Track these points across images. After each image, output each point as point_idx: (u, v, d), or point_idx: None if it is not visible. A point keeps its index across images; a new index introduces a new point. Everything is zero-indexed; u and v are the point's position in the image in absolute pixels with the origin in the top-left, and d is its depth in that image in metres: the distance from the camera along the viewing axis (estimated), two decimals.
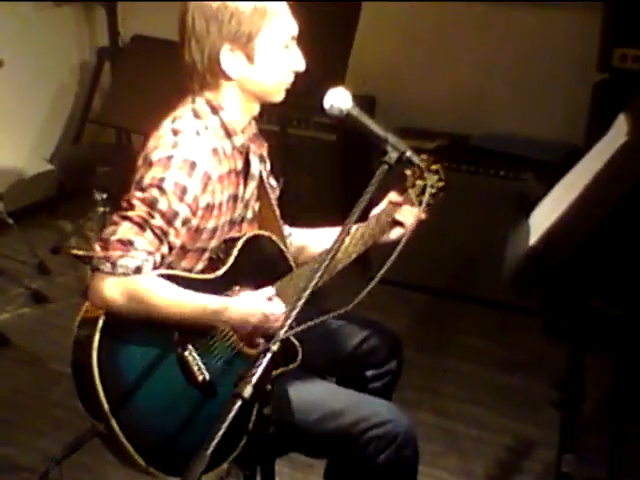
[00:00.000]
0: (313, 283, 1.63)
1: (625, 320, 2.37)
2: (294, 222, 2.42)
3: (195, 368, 1.99)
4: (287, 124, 4.05)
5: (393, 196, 2.31)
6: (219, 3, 2.01)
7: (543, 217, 1.99)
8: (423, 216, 2.27)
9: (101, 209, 4.33)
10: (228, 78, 2.06)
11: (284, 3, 2.08)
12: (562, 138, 4.14)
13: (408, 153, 1.87)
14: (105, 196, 4.33)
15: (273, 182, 2.34)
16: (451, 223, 3.84)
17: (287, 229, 2.41)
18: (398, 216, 2.29)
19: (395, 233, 2.30)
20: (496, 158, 4.14)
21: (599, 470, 2.60)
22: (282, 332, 1.57)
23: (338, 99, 1.94)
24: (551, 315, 3.76)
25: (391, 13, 4.46)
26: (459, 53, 4.49)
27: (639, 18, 3.58)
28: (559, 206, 1.89)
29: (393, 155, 1.86)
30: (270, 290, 2.06)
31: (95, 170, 4.53)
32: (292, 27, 2.08)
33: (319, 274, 1.64)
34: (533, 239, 1.92)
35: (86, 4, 5.18)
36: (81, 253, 1.98)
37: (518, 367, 3.68)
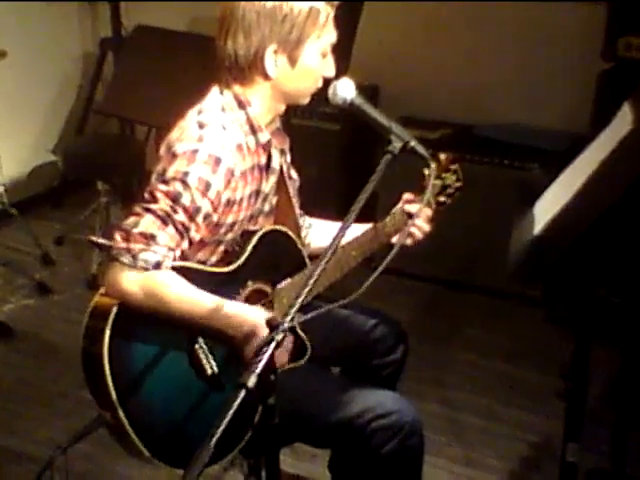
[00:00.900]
0: (317, 273, 1.62)
1: (630, 310, 2.36)
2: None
3: (204, 361, 1.99)
4: (291, 114, 4.05)
5: (408, 195, 2.32)
6: (275, 2, 1.99)
7: (548, 206, 1.98)
8: (429, 212, 2.27)
9: (104, 200, 4.34)
10: (266, 77, 2.05)
11: (332, 11, 2.05)
12: (567, 127, 4.13)
13: (412, 143, 1.87)
14: (108, 187, 4.34)
15: (294, 174, 2.33)
16: (455, 213, 3.82)
17: (307, 220, 2.40)
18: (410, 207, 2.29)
19: (409, 240, 2.28)
20: (500, 148, 4.13)
21: (604, 460, 2.60)
22: (287, 322, 1.56)
23: (342, 89, 1.94)
24: (556, 305, 3.76)
25: (395, 2, 4.44)
26: (463, 42, 4.48)
27: None
28: (564, 195, 1.88)
29: (397, 145, 1.85)
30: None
31: (99, 161, 4.52)
32: (334, 35, 2.07)
33: (321, 266, 1.63)
34: (537, 229, 1.92)
35: None
36: (100, 241, 1.95)
37: (522, 357, 3.68)
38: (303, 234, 2.35)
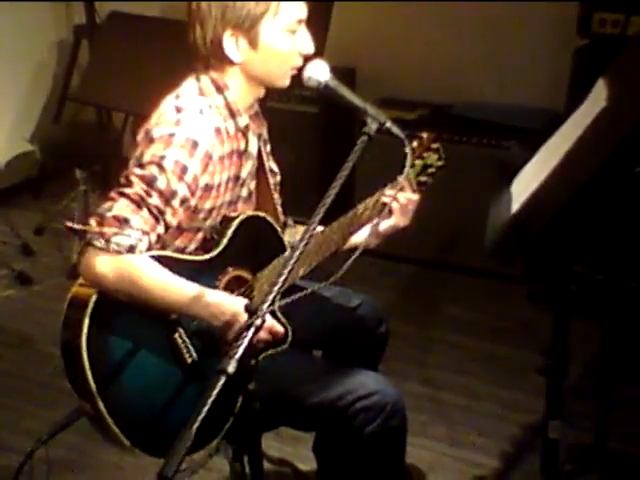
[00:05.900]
0: (296, 255, 1.62)
1: (610, 285, 2.38)
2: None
3: (184, 350, 1.98)
4: (267, 97, 4.02)
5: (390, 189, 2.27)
6: None
7: (525, 184, 1.99)
8: (414, 197, 2.26)
9: (83, 188, 4.31)
10: (232, 63, 2.04)
11: None
12: (544, 105, 4.13)
13: (388, 124, 1.86)
14: (86, 175, 4.31)
15: (274, 167, 2.31)
16: (435, 193, 3.83)
17: (290, 222, 2.38)
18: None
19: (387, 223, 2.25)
20: (479, 126, 4.13)
21: (586, 435, 2.62)
22: (265, 307, 1.56)
23: (316, 71, 1.93)
24: (535, 282, 3.77)
25: None
26: (439, 22, 4.47)
27: None
28: (541, 173, 1.89)
29: (373, 126, 1.84)
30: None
31: (76, 149, 4.49)
32: (298, 11, 2.04)
33: (300, 249, 1.62)
34: (515, 207, 1.92)
35: None
36: (75, 226, 1.95)
37: (504, 335, 3.70)
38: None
